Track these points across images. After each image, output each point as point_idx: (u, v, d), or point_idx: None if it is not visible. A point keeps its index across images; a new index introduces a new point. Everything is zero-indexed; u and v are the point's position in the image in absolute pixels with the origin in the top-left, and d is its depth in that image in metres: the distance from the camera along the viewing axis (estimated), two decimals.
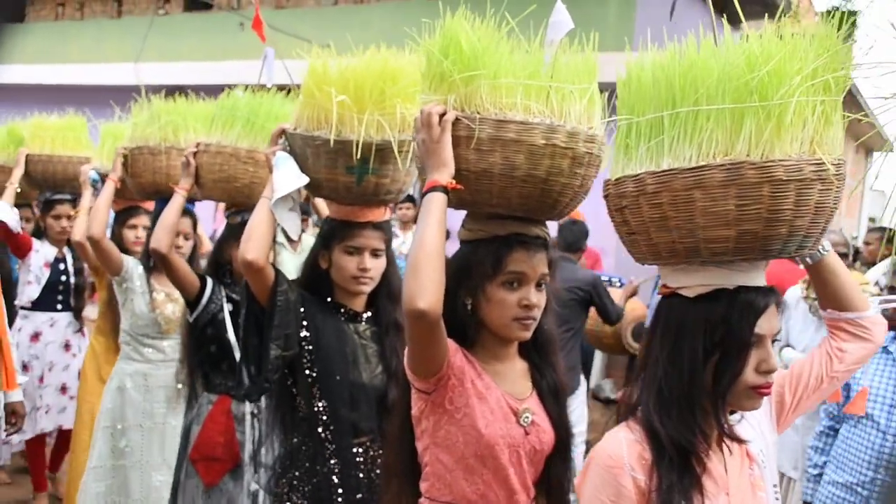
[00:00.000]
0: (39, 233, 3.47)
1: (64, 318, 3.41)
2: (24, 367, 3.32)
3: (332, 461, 1.63)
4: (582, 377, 3.76)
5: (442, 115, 1.23)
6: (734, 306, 1.04)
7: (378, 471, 1.66)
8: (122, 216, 2.93)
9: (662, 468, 1.02)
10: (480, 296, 1.28)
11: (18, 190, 3.21)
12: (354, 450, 1.66)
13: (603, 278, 3.95)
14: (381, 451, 1.68)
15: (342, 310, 1.73)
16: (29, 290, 3.35)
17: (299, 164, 1.64)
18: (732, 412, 1.11)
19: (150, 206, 2.98)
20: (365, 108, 1.56)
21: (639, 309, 4.32)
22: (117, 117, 3.15)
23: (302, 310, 1.65)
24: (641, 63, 1.12)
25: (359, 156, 1.56)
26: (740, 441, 1.09)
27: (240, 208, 2.22)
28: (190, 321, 2.20)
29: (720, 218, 1.00)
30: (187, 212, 2.48)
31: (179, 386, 2.37)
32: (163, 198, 2.48)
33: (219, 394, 2.20)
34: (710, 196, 1.00)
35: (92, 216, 2.48)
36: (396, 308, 1.73)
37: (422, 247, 1.16)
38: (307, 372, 1.65)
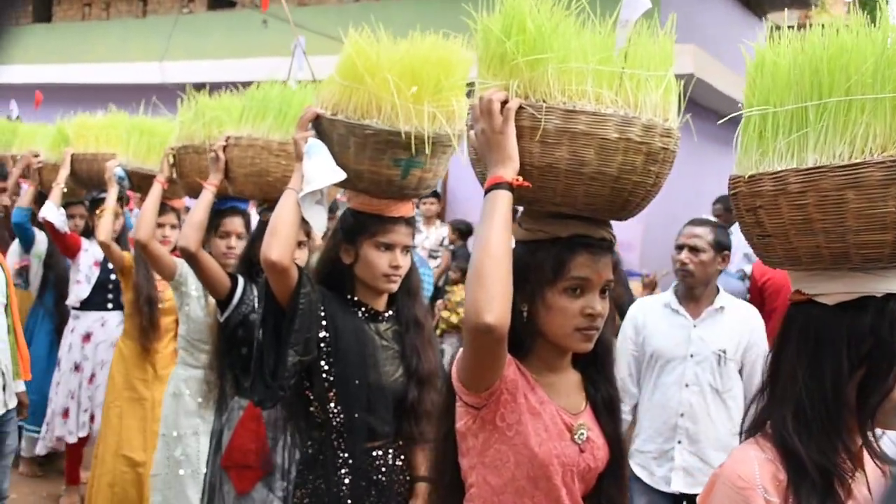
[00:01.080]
0: (89, 231, 3.43)
1: (114, 317, 3.38)
2: (76, 368, 3.31)
3: (343, 471, 1.55)
4: None
5: (504, 103, 1.11)
6: (884, 316, 0.94)
7: (396, 475, 1.59)
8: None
9: (802, 491, 0.93)
10: (539, 303, 1.17)
11: (65, 190, 3.19)
12: (374, 453, 1.58)
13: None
14: (401, 456, 1.62)
15: (363, 308, 1.62)
16: (78, 290, 3.33)
17: (335, 153, 1.51)
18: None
19: (179, 203, 2.96)
20: (422, 98, 1.45)
21: None
22: (142, 113, 3.10)
23: (322, 309, 1.55)
24: (777, 47, 1.00)
25: (413, 148, 1.46)
26: (891, 462, 0.99)
27: (272, 204, 2.12)
28: (220, 321, 2.10)
29: (877, 221, 0.89)
30: (239, 211, 2.38)
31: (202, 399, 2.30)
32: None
33: (250, 399, 2.06)
34: (867, 197, 0.89)
35: (139, 219, 2.35)
36: (416, 304, 1.66)
37: (487, 252, 1.04)
38: (324, 375, 1.55)
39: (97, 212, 3.09)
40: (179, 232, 2.73)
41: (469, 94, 1.41)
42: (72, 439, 3.34)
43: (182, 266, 2.46)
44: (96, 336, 3.37)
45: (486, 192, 1.09)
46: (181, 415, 2.49)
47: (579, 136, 1.10)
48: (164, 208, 2.76)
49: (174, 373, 2.55)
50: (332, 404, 1.54)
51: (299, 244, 2.48)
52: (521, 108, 1.11)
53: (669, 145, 1.15)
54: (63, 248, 3.36)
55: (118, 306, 3.35)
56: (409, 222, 1.62)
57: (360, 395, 1.54)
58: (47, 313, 3.67)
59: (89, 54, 10.05)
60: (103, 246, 2.82)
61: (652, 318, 2.38)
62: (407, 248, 1.61)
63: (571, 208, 1.15)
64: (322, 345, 1.54)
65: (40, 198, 3.47)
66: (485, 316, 1.01)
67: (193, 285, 2.46)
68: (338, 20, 7.42)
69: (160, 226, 2.77)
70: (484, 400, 1.13)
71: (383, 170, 1.51)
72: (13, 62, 10.81)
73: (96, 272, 3.37)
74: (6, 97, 10.59)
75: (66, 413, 3.36)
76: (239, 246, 2.37)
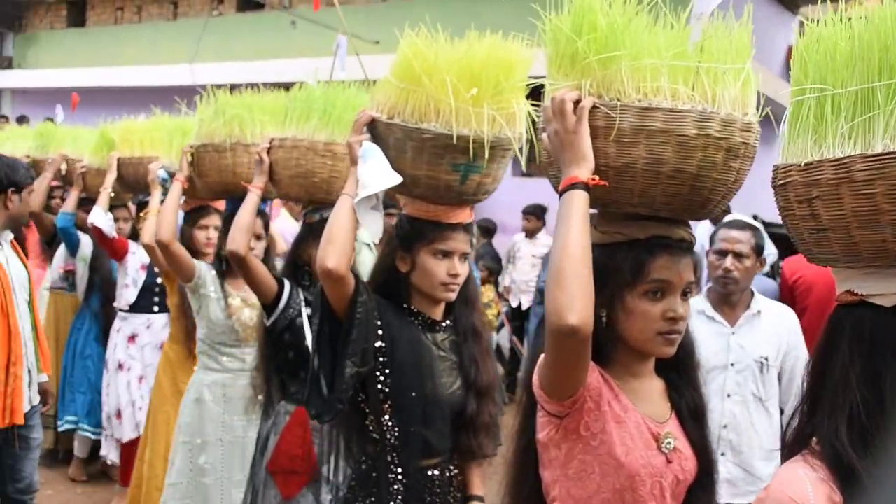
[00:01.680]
0: (136, 235, 3.41)
1: (160, 319, 3.38)
2: (120, 366, 3.34)
3: (395, 487, 1.49)
4: None
5: (576, 103, 1.08)
6: None
7: (449, 493, 1.54)
8: (193, 216, 2.81)
9: None
10: (618, 307, 1.13)
11: (112, 194, 3.19)
12: (429, 472, 1.52)
13: None
14: (456, 472, 1.56)
15: (419, 318, 1.57)
16: (126, 293, 3.35)
17: (391, 157, 1.47)
18: None
19: (222, 205, 2.87)
20: (481, 100, 1.41)
21: None
22: (184, 114, 3.08)
23: (378, 319, 1.50)
24: (835, 24, 0.93)
25: (472, 153, 1.42)
26: None
27: (317, 205, 2.08)
28: (267, 325, 2.07)
29: None
30: (259, 211, 2.35)
31: (259, 397, 2.24)
32: (234, 197, 2.40)
33: (296, 403, 2.07)
34: None
35: (159, 219, 2.36)
36: (474, 313, 1.62)
37: (567, 253, 1.01)
38: (379, 386, 1.50)
39: (141, 214, 3.10)
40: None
41: (530, 96, 1.38)
42: (125, 438, 3.35)
43: (200, 268, 2.43)
44: (142, 338, 3.38)
45: (561, 193, 1.07)
46: (205, 421, 2.43)
47: (656, 134, 1.06)
48: (207, 210, 2.74)
49: (195, 378, 2.49)
50: (387, 417, 1.50)
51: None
52: (594, 107, 1.07)
53: (750, 140, 1.11)
54: (111, 253, 3.37)
55: (164, 309, 3.34)
56: (467, 229, 1.57)
57: (417, 407, 1.49)
58: (93, 316, 3.69)
59: (121, 57, 10.23)
60: (148, 249, 2.79)
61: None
62: (465, 256, 1.56)
63: (649, 209, 1.11)
64: (378, 355, 1.49)
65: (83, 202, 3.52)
66: (568, 317, 0.98)
67: (212, 287, 2.44)
68: (366, 20, 7.45)
69: (204, 228, 2.72)
70: (567, 408, 1.09)
71: (441, 175, 1.46)
72: (49, 66, 11.09)
73: (143, 275, 3.37)
74: (42, 101, 10.83)
75: (119, 414, 3.38)
76: (258, 247, 2.35)
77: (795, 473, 0.91)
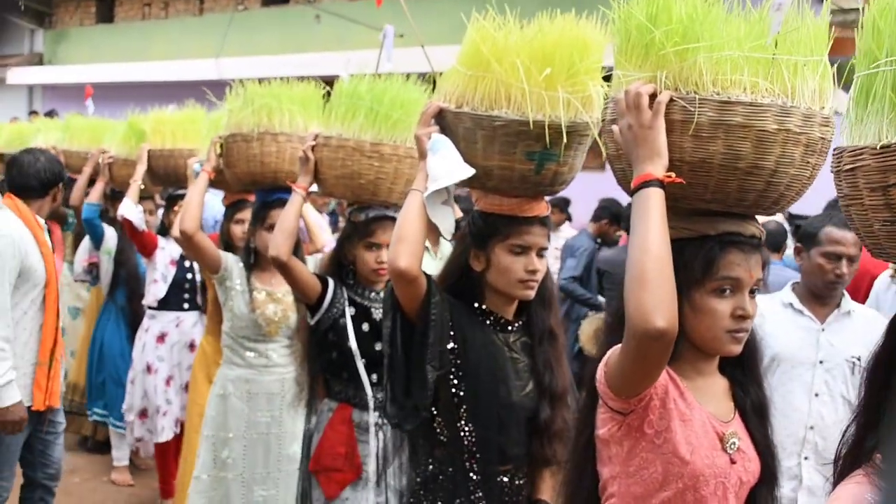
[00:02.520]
0: (165, 230, 3.36)
1: (190, 317, 3.32)
2: (148, 368, 3.25)
3: (478, 493, 1.44)
4: None
5: (652, 96, 1.05)
6: None
7: (517, 498, 1.48)
8: (231, 210, 2.79)
9: None
10: (685, 304, 1.10)
11: (142, 187, 3.13)
12: (498, 479, 1.46)
13: None
14: (525, 480, 1.51)
15: (491, 318, 1.51)
16: (155, 289, 3.26)
17: (461, 149, 1.41)
18: None
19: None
20: (555, 83, 1.33)
21: None
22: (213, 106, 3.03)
23: (449, 320, 1.44)
24: None
25: (548, 139, 1.34)
26: None
27: (363, 204, 2.02)
28: (311, 324, 2.02)
29: None
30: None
31: (302, 394, 2.17)
32: (262, 189, 2.38)
33: (339, 401, 2.03)
34: None
35: (183, 209, 2.32)
36: (551, 314, 1.54)
37: (648, 253, 0.99)
38: (453, 391, 1.44)
39: (174, 209, 3.05)
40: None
41: (607, 79, 1.32)
42: (153, 439, 3.27)
43: (227, 259, 2.38)
44: (171, 337, 3.28)
45: (635, 190, 1.04)
46: (229, 416, 2.38)
47: (735, 129, 1.03)
48: (244, 204, 2.68)
49: (220, 373, 2.45)
50: (463, 422, 1.44)
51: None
52: (671, 100, 1.05)
53: (828, 135, 1.08)
54: (140, 247, 3.28)
55: (194, 306, 3.30)
56: (544, 222, 1.48)
57: (491, 412, 1.43)
58: (119, 311, 3.62)
59: (149, 52, 10.32)
60: (180, 242, 2.71)
61: (771, 319, 2.15)
62: (543, 251, 1.49)
63: (721, 204, 1.08)
64: (451, 357, 1.42)
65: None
66: (655, 319, 0.95)
67: (238, 280, 2.39)
68: (389, 14, 7.34)
69: (240, 222, 2.67)
70: (632, 406, 1.08)
71: (515, 165, 1.38)
72: (78, 62, 11.25)
73: (173, 271, 3.27)
74: (72, 97, 10.99)
75: (143, 413, 3.31)
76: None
77: (860, 496, 0.86)
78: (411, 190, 1.42)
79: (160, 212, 3.57)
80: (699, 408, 1.12)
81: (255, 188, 2.42)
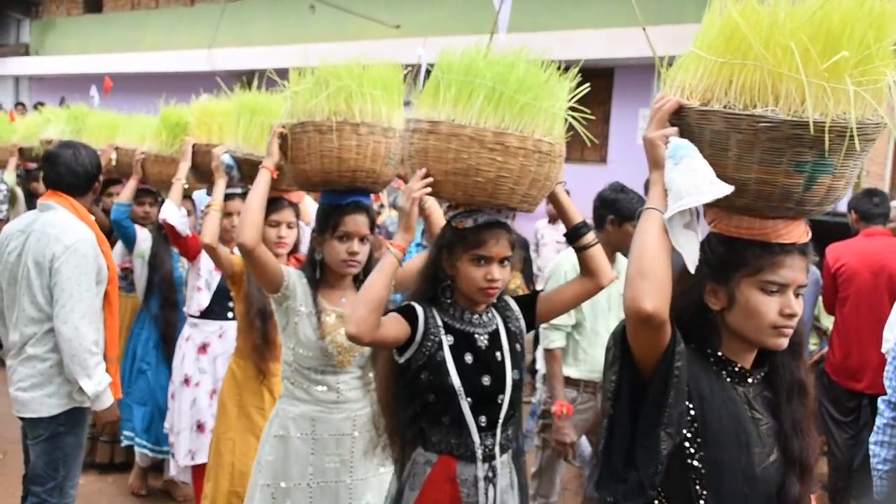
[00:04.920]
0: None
1: (234, 327, 2.83)
2: (186, 381, 2.89)
3: None
4: None
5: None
6: None
7: None
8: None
9: None
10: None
11: (186, 185, 2.79)
12: None
13: None
14: None
15: (728, 367, 1.19)
16: (199, 298, 2.87)
17: (707, 156, 1.10)
18: None
19: (298, 197, 2.50)
20: (841, 72, 1.02)
21: None
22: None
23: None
24: None
25: (826, 145, 1.04)
26: None
27: (470, 208, 1.61)
28: (400, 363, 1.61)
29: None
30: (363, 207, 1.93)
31: (381, 441, 1.77)
32: (333, 189, 1.94)
33: (438, 452, 1.62)
34: None
35: (242, 217, 1.86)
36: (799, 364, 1.23)
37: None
38: (690, 462, 1.13)
39: (203, 209, 2.58)
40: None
41: None
42: (186, 461, 2.88)
43: (289, 276, 1.94)
44: (214, 348, 2.89)
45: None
46: (290, 462, 1.95)
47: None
48: (280, 203, 2.34)
49: (280, 409, 2.01)
50: (700, 500, 1.13)
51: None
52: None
53: None
54: (183, 252, 2.89)
55: None
56: (804, 251, 1.17)
57: (735, 489, 1.14)
58: (153, 320, 3.21)
59: (139, 43, 10.17)
60: (208, 249, 2.34)
61: None
62: (801, 289, 1.17)
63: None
64: (688, 420, 1.13)
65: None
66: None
67: (302, 300, 1.95)
68: (386, 4, 7.29)
69: (275, 224, 2.34)
70: None
71: (779, 178, 1.07)
72: (66, 53, 11.05)
73: (217, 277, 2.87)
74: (59, 88, 10.78)
75: (179, 433, 2.92)
76: (363, 252, 1.93)
77: None
78: (646, 209, 1.11)
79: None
80: None
81: (325, 188, 1.96)
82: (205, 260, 2.85)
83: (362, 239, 1.92)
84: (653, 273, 1.06)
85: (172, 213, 2.72)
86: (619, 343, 1.13)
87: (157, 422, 3.15)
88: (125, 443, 3.27)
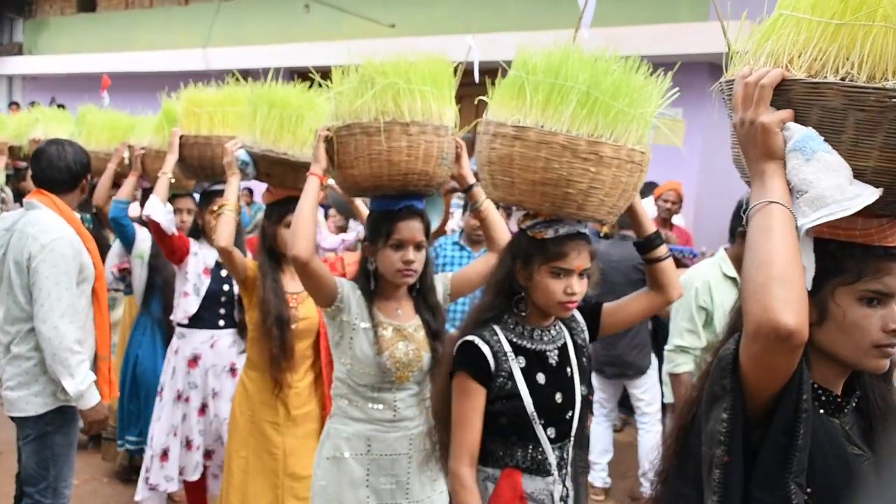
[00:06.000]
0: (198, 232, 2.78)
1: (226, 336, 2.71)
2: (178, 397, 2.71)
3: None
4: (653, 355, 3.50)
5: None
6: None
7: None
8: (278, 211, 2.24)
9: None
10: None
11: (173, 180, 2.61)
12: None
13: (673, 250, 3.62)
14: None
15: (823, 397, 1.02)
16: (186, 304, 2.67)
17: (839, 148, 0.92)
18: None
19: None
20: None
21: None
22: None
23: None
24: None
25: None
26: None
27: (550, 218, 1.48)
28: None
29: None
30: (417, 213, 1.81)
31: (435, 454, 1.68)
32: (382, 195, 1.80)
33: (500, 467, 1.51)
34: None
35: (294, 229, 1.70)
36: (891, 387, 1.08)
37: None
38: None
39: (213, 208, 2.46)
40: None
41: None
42: (171, 487, 2.69)
43: (343, 287, 1.80)
44: (205, 359, 2.70)
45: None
46: (344, 486, 1.81)
47: None
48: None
49: (331, 429, 1.86)
50: None
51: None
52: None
53: None
54: (168, 253, 2.69)
55: (231, 324, 2.73)
56: None
57: None
58: (155, 324, 3.07)
59: (133, 43, 10.12)
60: (223, 253, 2.20)
61: None
62: None
63: None
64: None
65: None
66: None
67: (358, 312, 1.80)
68: (382, 3, 7.28)
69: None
70: None
71: None
72: (59, 52, 10.99)
73: (206, 281, 2.70)
74: (53, 88, 10.70)
75: (164, 455, 2.68)
76: (419, 260, 1.79)
77: None
78: (764, 203, 0.92)
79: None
80: None
81: (374, 194, 1.83)
82: (192, 262, 2.69)
83: (417, 246, 1.79)
84: (790, 279, 0.86)
85: (157, 209, 2.53)
86: (732, 372, 0.93)
87: (143, 422, 3.04)
88: (125, 447, 3.16)
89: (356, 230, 4.58)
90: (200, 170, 2.64)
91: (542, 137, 1.39)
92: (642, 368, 3.44)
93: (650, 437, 3.43)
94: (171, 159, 2.60)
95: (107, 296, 2.34)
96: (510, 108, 1.44)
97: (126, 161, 3.16)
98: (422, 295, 1.89)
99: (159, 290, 3.04)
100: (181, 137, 2.61)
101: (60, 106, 5.81)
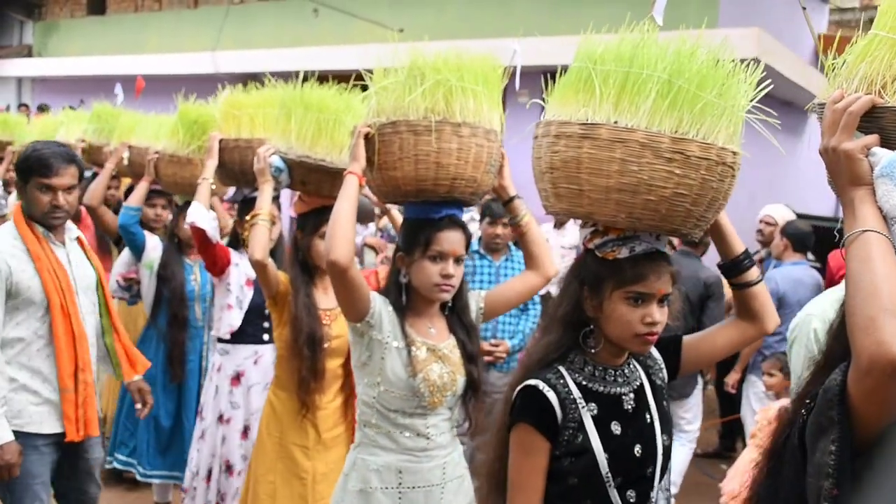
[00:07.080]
0: (237, 242, 2.62)
1: (270, 351, 2.52)
2: (220, 418, 2.55)
3: None
4: (699, 376, 3.51)
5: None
6: None
7: None
8: (312, 221, 2.10)
9: None
10: None
11: (213, 186, 2.48)
12: None
13: None
14: None
15: None
16: (229, 317, 2.50)
17: None
18: None
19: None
20: None
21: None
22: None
23: None
24: None
25: None
26: None
27: (624, 235, 1.28)
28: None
29: None
30: (458, 223, 1.67)
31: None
32: (426, 201, 1.64)
33: None
34: None
35: (332, 233, 1.55)
36: None
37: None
38: None
39: (247, 218, 2.25)
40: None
41: None
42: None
43: (376, 301, 1.64)
44: (249, 376, 2.53)
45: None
46: None
47: None
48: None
49: (358, 459, 1.69)
50: None
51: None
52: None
53: None
54: (209, 264, 2.49)
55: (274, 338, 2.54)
56: None
57: None
58: (160, 338, 2.92)
59: (142, 45, 10.16)
60: (258, 266, 2.06)
61: None
62: None
63: None
64: None
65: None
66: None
67: (389, 331, 1.64)
68: (389, 9, 7.32)
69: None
70: None
71: None
72: (69, 55, 11.05)
73: (249, 294, 2.54)
74: (62, 90, 10.75)
75: (209, 476, 2.54)
76: (458, 274, 1.63)
77: None
78: (861, 232, 0.87)
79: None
80: None
81: (417, 199, 1.65)
82: (234, 273, 2.51)
83: (458, 260, 1.63)
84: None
85: (202, 216, 2.33)
86: (839, 403, 0.88)
87: (165, 449, 2.90)
88: (112, 465, 3.02)
89: (361, 234, 4.54)
90: (242, 175, 2.48)
91: (616, 135, 1.17)
92: (685, 394, 3.34)
93: (685, 452, 3.38)
94: (211, 165, 2.46)
95: (70, 326, 2.05)
96: (575, 104, 1.22)
97: (125, 162, 3.09)
98: (456, 313, 1.72)
99: (166, 302, 2.89)
100: (220, 142, 2.48)
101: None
